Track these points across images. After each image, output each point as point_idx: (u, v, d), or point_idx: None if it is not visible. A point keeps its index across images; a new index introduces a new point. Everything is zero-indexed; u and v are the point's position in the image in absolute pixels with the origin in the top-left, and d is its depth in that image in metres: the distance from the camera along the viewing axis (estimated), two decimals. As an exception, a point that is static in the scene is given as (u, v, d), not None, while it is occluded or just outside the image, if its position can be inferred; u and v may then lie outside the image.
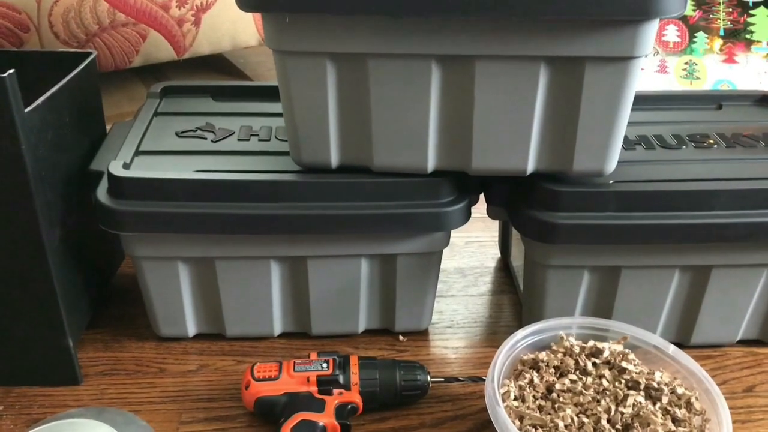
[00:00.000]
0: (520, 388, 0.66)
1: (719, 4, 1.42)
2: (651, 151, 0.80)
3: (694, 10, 1.42)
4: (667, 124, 0.87)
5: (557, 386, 0.66)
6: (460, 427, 0.71)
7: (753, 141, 0.83)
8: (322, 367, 0.70)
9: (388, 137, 0.70)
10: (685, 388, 0.66)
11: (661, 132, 0.84)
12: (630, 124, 0.70)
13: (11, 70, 0.61)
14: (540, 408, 0.64)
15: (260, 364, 0.71)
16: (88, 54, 0.81)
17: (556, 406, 0.64)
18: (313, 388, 0.68)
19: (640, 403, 0.64)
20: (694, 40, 1.42)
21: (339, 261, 0.76)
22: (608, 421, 0.63)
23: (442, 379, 0.74)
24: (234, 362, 0.79)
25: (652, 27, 0.63)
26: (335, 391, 0.69)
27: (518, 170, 0.72)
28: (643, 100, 0.90)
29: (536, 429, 0.62)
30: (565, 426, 0.62)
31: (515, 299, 0.91)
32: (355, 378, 0.69)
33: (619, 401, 0.64)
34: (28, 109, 0.65)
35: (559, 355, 0.69)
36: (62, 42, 1.24)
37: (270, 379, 0.69)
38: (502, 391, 0.65)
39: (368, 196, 0.72)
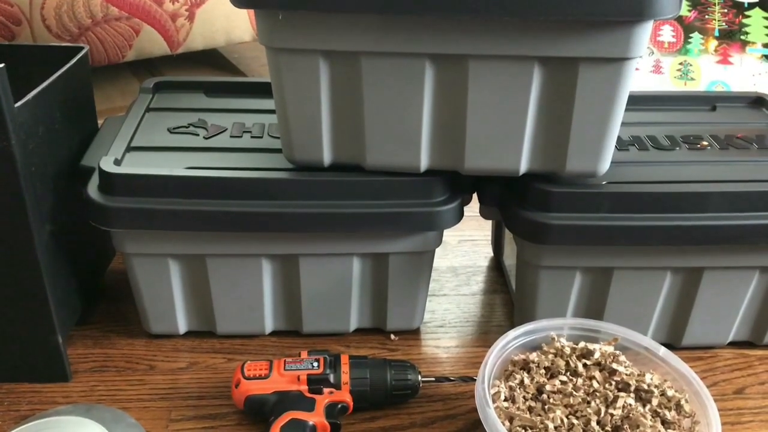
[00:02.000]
0: (511, 388, 0.66)
1: (714, 4, 1.43)
2: (644, 152, 0.80)
3: (689, 11, 1.42)
4: (661, 125, 0.87)
5: (547, 387, 0.66)
6: (451, 427, 0.71)
7: (746, 143, 0.83)
8: (313, 366, 0.69)
9: (381, 136, 0.69)
10: (675, 390, 0.66)
11: (655, 133, 0.84)
12: (623, 124, 0.70)
13: (1, 65, 0.61)
14: (530, 409, 0.64)
15: (250, 363, 0.70)
16: (80, 48, 0.81)
17: (546, 407, 0.64)
18: (304, 387, 0.68)
19: (630, 405, 0.64)
20: (689, 40, 1.42)
21: (331, 259, 0.76)
22: (598, 422, 0.63)
23: (433, 379, 0.74)
24: (224, 360, 0.79)
25: (647, 28, 0.63)
26: (326, 390, 0.68)
27: (511, 170, 0.71)
28: (637, 101, 0.90)
29: (526, 430, 0.62)
30: (555, 427, 0.62)
31: (507, 299, 0.91)
32: (345, 377, 0.69)
33: (609, 403, 0.64)
34: (18, 104, 0.64)
35: (550, 356, 0.69)
36: (54, 36, 1.23)
37: (260, 377, 0.69)
38: (492, 391, 0.65)
39: (360, 195, 0.72)
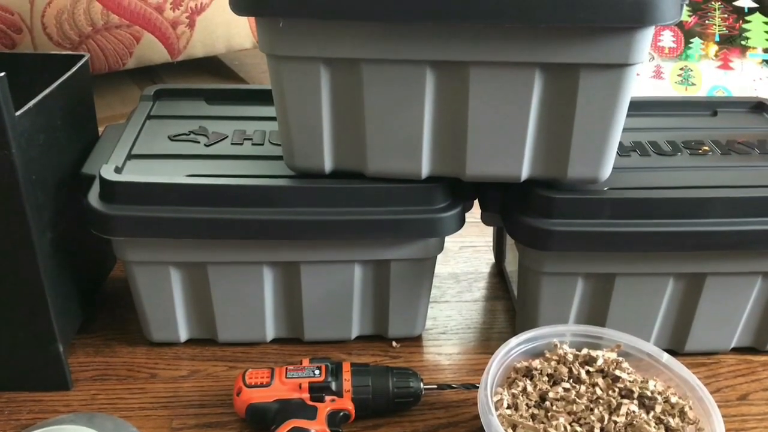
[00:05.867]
0: (514, 396, 0.66)
1: (715, 9, 1.43)
2: (646, 158, 0.80)
3: (689, 16, 1.43)
4: (662, 130, 0.87)
5: (550, 394, 0.65)
6: (453, 435, 0.71)
7: (748, 148, 0.83)
8: (315, 374, 0.69)
9: (382, 143, 0.69)
10: (679, 397, 0.66)
11: (656, 138, 0.84)
12: (625, 130, 0.70)
13: (2, 73, 0.61)
14: (533, 416, 0.64)
15: (252, 371, 0.70)
16: (81, 56, 0.81)
17: (549, 414, 0.64)
18: (305, 395, 0.68)
19: (634, 412, 0.64)
20: (689, 45, 1.42)
21: (332, 267, 0.76)
22: (601, 430, 0.62)
23: (435, 386, 0.73)
24: (226, 368, 0.79)
25: (648, 34, 0.63)
26: (327, 398, 0.68)
27: (512, 176, 0.71)
28: (638, 106, 0.90)
29: (529, 438, 0.62)
30: (558, 435, 0.61)
31: (509, 305, 0.91)
32: (347, 385, 0.69)
33: (613, 410, 0.64)
34: (19, 113, 0.64)
35: (553, 363, 0.68)
36: (55, 44, 1.23)
37: (262, 385, 0.69)
38: (495, 399, 0.64)
39: (362, 202, 0.72)
